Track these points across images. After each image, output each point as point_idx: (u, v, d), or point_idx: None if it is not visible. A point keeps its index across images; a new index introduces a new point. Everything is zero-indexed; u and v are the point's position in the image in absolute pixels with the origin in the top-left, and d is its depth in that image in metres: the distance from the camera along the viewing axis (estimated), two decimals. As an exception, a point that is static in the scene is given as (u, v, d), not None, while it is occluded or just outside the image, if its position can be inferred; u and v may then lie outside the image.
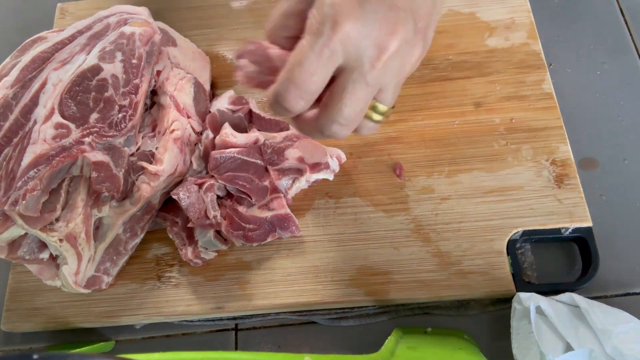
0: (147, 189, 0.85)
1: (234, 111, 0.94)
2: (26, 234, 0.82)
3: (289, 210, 0.87)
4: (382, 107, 0.68)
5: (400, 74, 0.67)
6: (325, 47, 0.62)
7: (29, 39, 0.87)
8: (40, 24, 1.08)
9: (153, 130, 0.89)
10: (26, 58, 0.84)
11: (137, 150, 0.87)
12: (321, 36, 0.62)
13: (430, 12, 0.66)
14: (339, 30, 0.61)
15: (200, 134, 0.92)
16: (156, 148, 0.87)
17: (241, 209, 0.86)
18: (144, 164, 0.85)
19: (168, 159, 0.86)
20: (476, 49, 0.98)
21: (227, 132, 0.88)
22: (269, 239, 0.87)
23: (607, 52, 1.03)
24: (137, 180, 0.86)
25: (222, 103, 0.94)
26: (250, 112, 0.95)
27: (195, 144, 0.91)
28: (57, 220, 0.82)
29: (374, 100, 0.67)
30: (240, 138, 0.88)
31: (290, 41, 0.69)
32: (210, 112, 0.93)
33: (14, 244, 0.84)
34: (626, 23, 1.05)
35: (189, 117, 0.90)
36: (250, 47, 0.70)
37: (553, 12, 1.07)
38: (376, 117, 0.69)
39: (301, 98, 0.64)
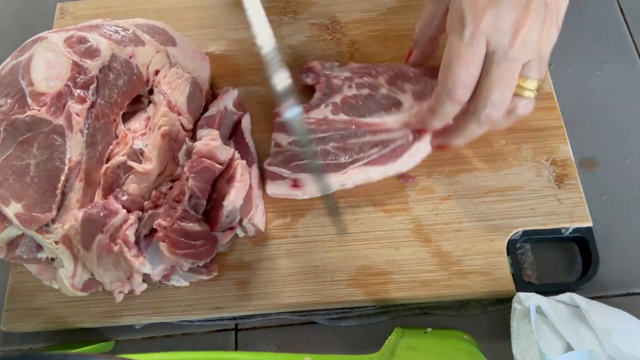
0: (137, 190, 0.85)
1: (234, 113, 0.95)
2: (24, 233, 0.82)
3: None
4: (529, 83, 0.76)
5: (539, 47, 0.75)
6: (472, 37, 0.73)
7: (30, 39, 0.87)
8: (40, 24, 1.08)
9: (145, 127, 0.89)
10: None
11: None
12: (466, 29, 0.73)
13: None
14: (480, 20, 0.72)
15: (190, 131, 0.92)
16: (146, 145, 0.87)
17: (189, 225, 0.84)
18: (132, 164, 0.85)
19: (156, 157, 0.86)
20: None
21: (216, 144, 0.86)
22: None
23: (607, 52, 1.03)
24: (126, 180, 0.85)
25: (227, 103, 0.94)
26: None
27: (183, 141, 0.90)
28: (52, 221, 0.82)
29: (521, 77, 0.76)
30: (222, 152, 0.86)
31: (434, 44, 0.90)
32: (210, 110, 0.93)
33: (12, 244, 0.84)
34: (626, 23, 1.05)
35: (179, 114, 0.90)
36: None
37: (553, 12, 1.07)
38: (527, 93, 0.77)
39: (467, 86, 0.75)
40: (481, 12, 0.72)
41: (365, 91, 0.92)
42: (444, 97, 0.77)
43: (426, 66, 0.93)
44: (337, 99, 0.92)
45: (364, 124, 0.90)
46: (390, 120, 0.90)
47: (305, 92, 0.99)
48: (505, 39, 0.72)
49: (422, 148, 0.89)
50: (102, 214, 0.81)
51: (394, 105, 0.90)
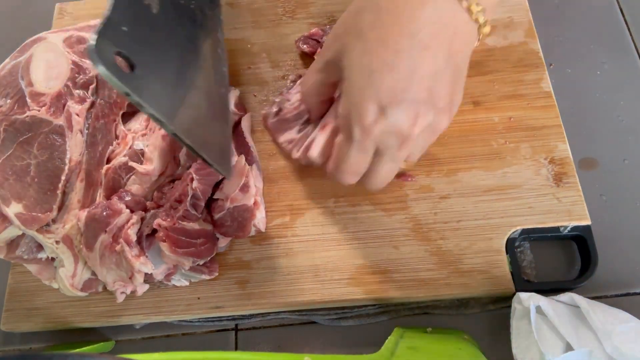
0: (139, 191, 0.85)
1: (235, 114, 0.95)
2: (24, 233, 0.83)
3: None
4: (410, 164, 0.85)
5: (425, 145, 0.81)
6: (360, 145, 0.76)
7: (29, 39, 0.87)
8: (39, 25, 1.08)
9: (146, 127, 0.89)
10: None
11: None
12: (354, 138, 0.76)
13: (450, 92, 0.76)
14: (369, 133, 0.74)
15: None
16: (146, 146, 0.87)
17: (189, 224, 0.85)
18: (134, 165, 0.85)
19: (158, 158, 0.86)
20: (475, 48, 0.98)
21: None
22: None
23: (607, 52, 1.03)
24: (127, 181, 0.86)
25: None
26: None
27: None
28: (53, 221, 0.82)
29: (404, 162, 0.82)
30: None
31: (325, 104, 0.88)
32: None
33: (12, 244, 0.84)
34: (626, 23, 1.05)
35: (179, 114, 0.90)
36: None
37: (553, 12, 1.07)
38: (406, 167, 0.88)
39: (354, 178, 0.81)
40: (369, 126, 0.74)
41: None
42: (334, 177, 0.82)
43: None
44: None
45: None
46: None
47: (304, 60, 1.01)
48: (394, 147, 0.76)
49: None
50: (105, 213, 0.82)
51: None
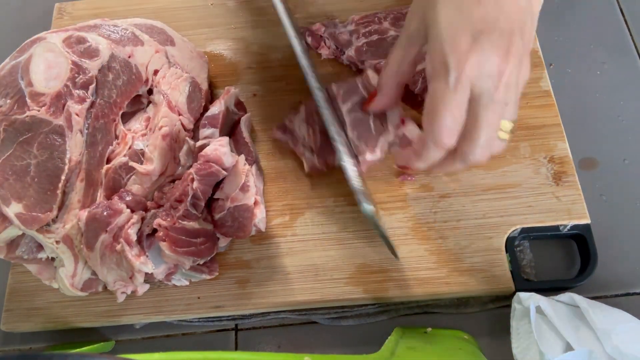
0: (139, 191, 0.85)
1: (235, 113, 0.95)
2: (24, 233, 0.83)
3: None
4: (507, 124, 0.76)
5: (518, 87, 0.75)
6: (457, 83, 0.71)
7: (28, 40, 0.87)
8: (39, 25, 1.09)
9: (146, 127, 0.89)
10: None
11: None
12: (450, 75, 0.71)
13: (532, 28, 0.75)
14: (464, 65, 0.71)
15: (190, 131, 0.93)
16: (147, 146, 0.87)
17: (189, 224, 0.85)
18: (134, 165, 0.85)
19: (158, 158, 0.86)
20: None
21: (224, 151, 0.87)
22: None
23: (607, 52, 1.03)
24: (128, 181, 0.86)
25: (229, 103, 0.94)
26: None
27: (183, 141, 0.90)
28: (53, 221, 0.82)
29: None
30: (228, 158, 0.87)
31: (400, 89, 0.86)
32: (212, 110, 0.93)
33: (12, 244, 0.84)
34: (626, 23, 1.05)
35: (180, 114, 0.90)
36: None
37: (553, 12, 1.07)
38: (503, 135, 0.77)
39: (454, 132, 0.74)
40: (464, 56, 0.71)
41: (375, 37, 0.95)
42: (430, 144, 0.76)
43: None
44: (351, 52, 0.95)
45: None
46: None
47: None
48: (490, 83, 0.72)
49: None
50: (106, 213, 0.82)
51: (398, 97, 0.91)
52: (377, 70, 0.91)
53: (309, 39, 1.01)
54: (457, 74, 0.71)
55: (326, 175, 0.92)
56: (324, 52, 1.01)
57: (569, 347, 0.74)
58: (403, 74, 0.84)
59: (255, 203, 0.86)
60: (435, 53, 0.74)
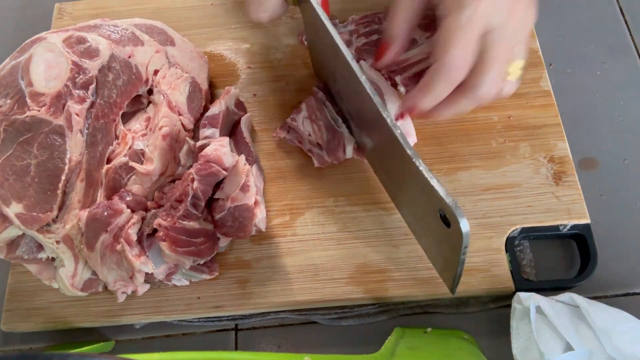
0: (140, 191, 0.85)
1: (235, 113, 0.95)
2: (24, 233, 0.83)
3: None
4: (517, 64, 0.80)
5: (526, 28, 0.79)
6: (471, 19, 0.74)
7: (28, 40, 0.87)
8: (39, 25, 1.09)
9: (146, 127, 0.89)
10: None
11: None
12: (465, 10, 0.74)
13: None
14: (479, 2, 0.74)
15: (191, 131, 0.93)
16: (147, 146, 0.87)
17: (190, 224, 0.85)
18: (134, 165, 0.85)
19: (158, 158, 0.86)
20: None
21: (225, 151, 0.87)
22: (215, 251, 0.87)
23: (607, 52, 1.03)
24: (128, 181, 0.86)
25: (229, 102, 0.95)
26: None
27: (184, 141, 0.90)
28: (53, 221, 0.82)
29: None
30: (228, 158, 0.87)
31: (408, 33, 0.87)
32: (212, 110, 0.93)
33: (12, 244, 0.84)
34: (626, 23, 1.05)
35: (180, 114, 0.90)
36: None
37: (553, 11, 1.07)
38: (514, 75, 0.80)
39: (462, 68, 0.76)
40: None
41: (374, 37, 0.95)
42: (439, 78, 0.78)
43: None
44: (352, 51, 0.94)
45: (394, 63, 0.93)
46: (414, 53, 0.92)
47: (304, 59, 1.02)
48: (501, 20, 0.75)
49: None
50: (106, 213, 0.82)
51: (410, 43, 0.92)
52: (377, 68, 0.92)
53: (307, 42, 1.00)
54: (471, 11, 0.74)
55: (327, 175, 0.92)
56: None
57: (569, 347, 0.74)
58: (415, 17, 0.86)
59: (256, 203, 0.86)
60: None
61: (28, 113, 0.81)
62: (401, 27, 0.86)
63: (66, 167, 0.81)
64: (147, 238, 0.84)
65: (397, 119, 0.87)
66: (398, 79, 0.91)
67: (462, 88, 0.79)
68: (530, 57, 0.95)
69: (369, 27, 0.96)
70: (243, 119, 0.95)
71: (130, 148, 0.87)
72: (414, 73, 0.91)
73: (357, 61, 0.92)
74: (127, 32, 0.91)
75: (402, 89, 0.92)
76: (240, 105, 0.97)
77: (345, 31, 0.97)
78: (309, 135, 0.91)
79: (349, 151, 0.90)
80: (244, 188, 0.84)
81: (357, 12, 1.01)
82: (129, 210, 0.83)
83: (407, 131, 0.88)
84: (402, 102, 0.88)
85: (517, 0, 0.76)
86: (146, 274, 0.83)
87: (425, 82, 0.80)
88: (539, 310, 0.77)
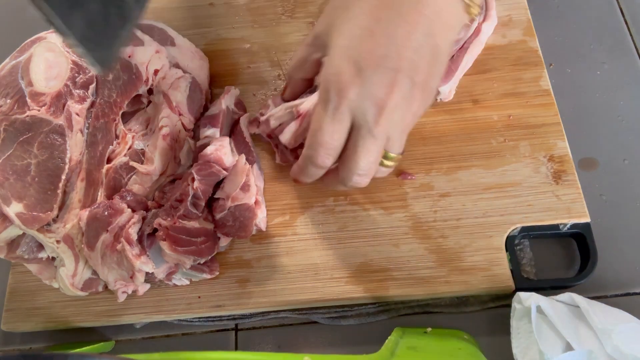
0: (140, 190, 0.85)
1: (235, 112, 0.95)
2: (25, 233, 0.83)
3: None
4: (391, 155, 0.78)
5: (402, 124, 0.76)
6: (336, 111, 0.73)
7: (28, 40, 0.88)
8: (39, 25, 1.07)
9: (146, 127, 0.89)
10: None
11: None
12: (330, 103, 0.73)
13: (428, 71, 0.74)
14: (344, 96, 0.72)
15: (191, 130, 0.93)
16: (147, 146, 0.87)
17: (190, 223, 0.85)
18: (135, 164, 0.85)
19: (158, 158, 0.86)
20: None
21: (225, 151, 0.87)
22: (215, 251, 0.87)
23: (607, 52, 1.03)
24: (129, 181, 0.86)
25: (229, 102, 0.95)
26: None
27: (184, 141, 0.91)
28: (54, 221, 0.82)
29: (385, 149, 0.77)
30: (228, 158, 0.87)
31: (306, 83, 0.90)
32: (212, 109, 0.93)
33: (12, 243, 0.84)
34: (626, 23, 1.05)
35: (180, 114, 0.90)
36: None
37: (553, 11, 1.07)
38: (387, 163, 0.79)
39: (328, 155, 0.77)
40: (345, 87, 0.72)
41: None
42: (307, 161, 0.79)
43: None
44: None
45: None
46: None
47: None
48: (370, 117, 0.73)
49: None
50: (107, 213, 0.82)
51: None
52: None
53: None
54: (337, 103, 0.73)
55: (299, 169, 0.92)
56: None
57: (569, 347, 0.74)
58: (306, 71, 0.87)
59: (256, 202, 0.86)
60: (322, 77, 0.76)
61: (28, 113, 0.81)
62: (294, 75, 0.90)
63: (66, 167, 0.81)
64: (147, 237, 0.84)
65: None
66: None
67: (337, 172, 0.80)
68: (530, 57, 0.97)
69: None
70: (242, 119, 0.95)
71: (130, 148, 0.87)
72: None
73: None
74: (127, 32, 0.91)
75: None
76: (240, 104, 0.97)
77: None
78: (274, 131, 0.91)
79: None
80: (245, 188, 0.84)
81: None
82: (129, 210, 0.83)
83: None
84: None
85: (390, 96, 0.72)
86: (147, 273, 0.83)
87: (299, 162, 0.82)
88: (539, 310, 0.77)
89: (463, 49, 0.95)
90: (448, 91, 0.94)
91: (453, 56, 0.94)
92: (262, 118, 0.92)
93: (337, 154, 0.77)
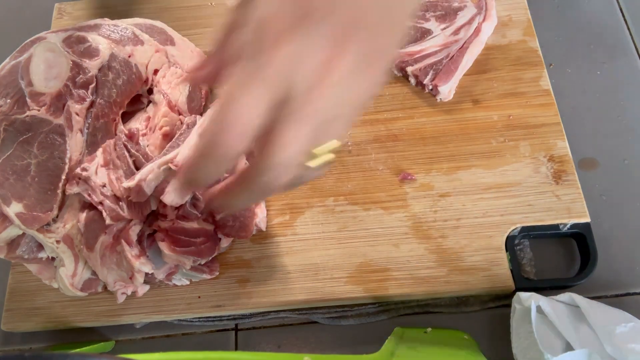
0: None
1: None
2: (25, 233, 0.83)
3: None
4: (328, 144, 0.58)
5: (347, 100, 0.56)
6: (260, 73, 0.53)
7: (28, 40, 0.88)
8: (38, 25, 1.09)
9: (146, 127, 0.89)
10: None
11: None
12: (253, 61, 0.54)
13: (391, 31, 0.59)
14: (273, 53, 0.53)
15: None
16: (147, 146, 0.87)
17: (188, 223, 0.85)
18: None
19: (158, 157, 0.86)
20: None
21: None
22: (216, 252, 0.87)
23: (607, 52, 1.03)
24: None
25: None
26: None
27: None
28: (54, 221, 0.82)
29: (316, 138, 0.56)
30: None
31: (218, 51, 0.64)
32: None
33: (12, 243, 0.84)
34: (626, 23, 1.06)
35: (180, 114, 0.90)
36: None
37: (553, 11, 1.07)
38: (319, 159, 0.58)
39: (241, 137, 0.54)
40: (279, 41, 0.53)
41: None
42: (211, 146, 0.55)
43: None
44: None
45: (405, 54, 0.95)
46: (429, 44, 0.95)
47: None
48: (305, 86, 0.53)
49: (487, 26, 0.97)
50: None
51: (424, 34, 0.95)
52: None
53: None
54: (263, 61, 0.53)
55: (327, 175, 0.92)
56: None
57: (569, 347, 0.74)
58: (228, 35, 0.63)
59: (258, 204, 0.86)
60: (252, 19, 0.56)
61: (28, 113, 0.81)
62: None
63: (66, 167, 0.81)
64: (147, 238, 0.84)
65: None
66: (409, 69, 0.92)
67: (241, 176, 0.59)
68: (530, 57, 0.97)
69: None
70: None
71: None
72: (425, 65, 0.92)
73: None
74: (127, 31, 0.91)
75: (412, 80, 0.92)
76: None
77: None
78: (103, 186, 0.82)
79: None
80: None
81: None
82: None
83: None
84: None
85: (338, 60, 0.53)
86: (146, 274, 0.83)
87: (194, 152, 0.58)
88: (539, 310, 0.77)
89: (463, 48, 0.95)
90: (448, 91, 0.94)
91: (453, 56, 0.94)
92: (130, 184, 0.79)
93: (251, 138, 0.54)
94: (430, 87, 0.94)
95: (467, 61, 0.95)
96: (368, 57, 0.55)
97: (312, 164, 0.57)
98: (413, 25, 0.96)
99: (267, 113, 0.54)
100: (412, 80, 0.94)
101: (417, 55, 0.93)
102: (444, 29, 0.94)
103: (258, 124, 0.54)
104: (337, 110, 0.56)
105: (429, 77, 0.94)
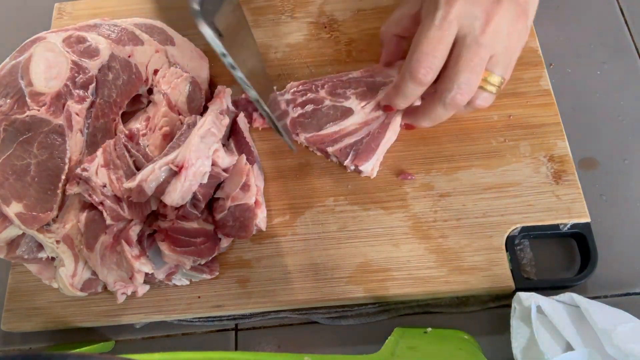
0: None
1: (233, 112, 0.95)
2: (25, 233, 0.83)
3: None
4: (494, 78, 0.80)
5: (509, 41, 0.79)
6: (444, 20, 0.76)
7: (28, 40, 0.88)
8: (38, 25, 1.09)
9: (146, 127, 0.89)
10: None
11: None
12: (438, 11, 0.76)
13: None
14: (452, 3, 0.76)
15: None
16: (147, 146, 0.87)
17: (188, 223, 0.85)
18: None
19: (158, 157, 0.86)
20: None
21: (219, 155, 0.87)
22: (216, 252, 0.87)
23: (607, 52, 1.03)
24: None
25: (228, 102, 0.95)
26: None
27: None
28: (54, 221, 0.82)
29: (487, 71, 0.79)
30: (225, 160, 0.87)
31: (400, 43, 0.92)
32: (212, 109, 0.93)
33: (12, 243, 0.84)
34: (626, 23, 1.05)
35: (180, 114, 0.90)
36: None
37: (553, 11, 1.07)
38: (490, 87, 0.81)
39: (430, 68, 0.78)
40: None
41: (310, 107, 0.95)
42: (407, 76, 0.81)
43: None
44: (287, 123, 0.95)
45: (324, 136, 0.93)
46: (348, 124, 0.93)
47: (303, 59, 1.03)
48: (477, 24, 0.76)
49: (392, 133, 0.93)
50: None
51: (344, 113, 0.93)
52: (309, 141, 0.94)
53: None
54: (445, 12, 0.76)
55: (327, 175, 0.92)
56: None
57: (569, 347, 0.74)
58: (402, 28, 0.90)
59: (256, 203, 0.86)
60: None
61: (28, 113, 0.81)
62: (388, 33, 0.92)
63: (66, 167, 0.81)
64: (147, 238, 0.84)
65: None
66: (330, 150, 0.91)
67: (435, 93, 0.82)
68: (530, 57, 0.96)
69: (305, 97, 0.95)
70: (239, 119, 0.95)
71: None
72: (345, 145, 0.92)
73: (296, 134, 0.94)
74: (127, 31, 0.91)
75: (334, 159, 0.92)
76: (235, 103, 0.97)
77: (282, 100, 0.96)
78: (103, 187, 0.83)
79: None
80: (245, 187, 0.84)
81: (356, 11, 1.03)
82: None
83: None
84: (381, 99, 0.92)
85: (498, 5, 0.76)
86: (146, 274, 0.83)
87: (396, 81, 0.85)
88: (539, 310, 0.77)
89: (384, 124, 0.92)
90: (370, 169, 0.92)
91: (374, 134, 0.93)
92: (132, 184, 0.81)
93: (439, 68, 0.79)
94: (352, 167, 0.93)
95: (389, 138, 0.93)
96: (515, 10, 0.77)
97: (485, 89, 0.80)
98: (332, 105, 0.95)
99: (447, 50, 0.78)
100: (334, 159, 0.94)
101: (336, 136, 0.93)
102: (364, 106, 0.93)
103: (443, 58, 0.78)
104: (500, 44, 0.78)
105: (349, 158, 0.92)
